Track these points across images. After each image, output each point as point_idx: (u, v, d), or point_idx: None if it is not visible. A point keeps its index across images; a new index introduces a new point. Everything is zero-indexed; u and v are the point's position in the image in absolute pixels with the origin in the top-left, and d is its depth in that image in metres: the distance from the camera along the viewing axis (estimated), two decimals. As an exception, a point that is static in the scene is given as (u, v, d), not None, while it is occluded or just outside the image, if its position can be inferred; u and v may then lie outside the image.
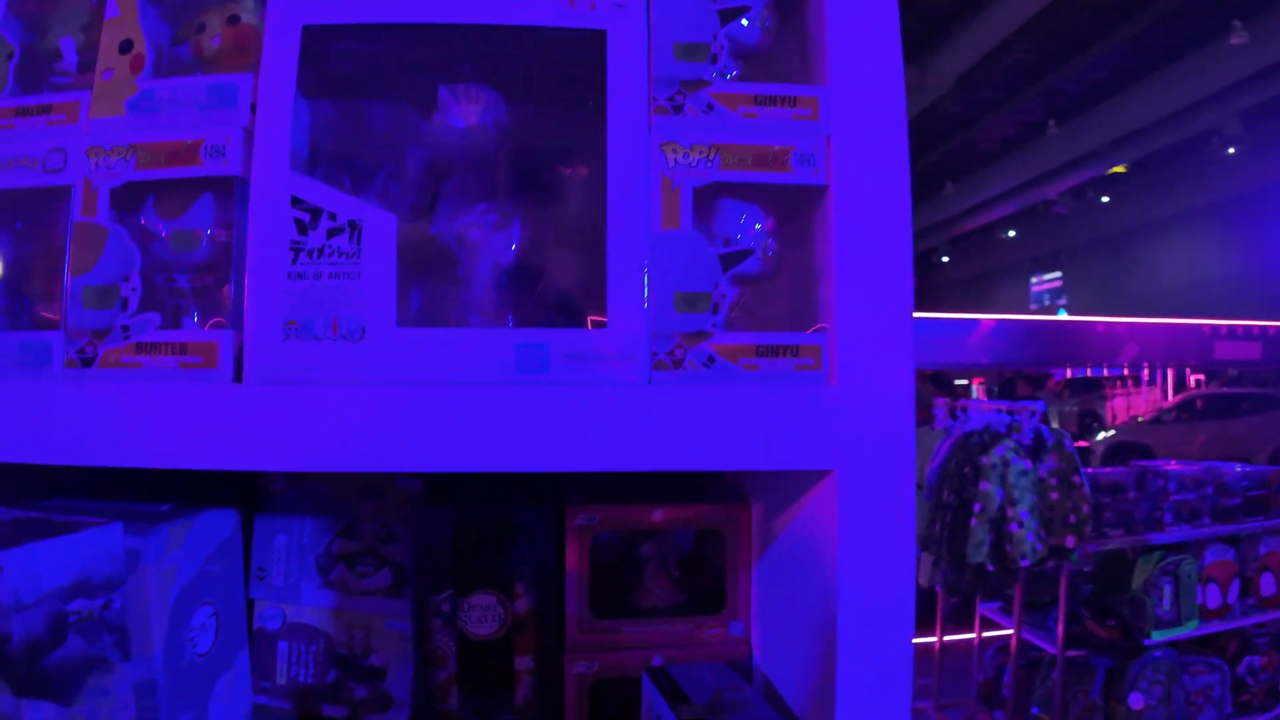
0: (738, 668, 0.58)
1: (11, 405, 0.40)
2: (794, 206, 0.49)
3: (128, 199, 0.44)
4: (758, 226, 0.48)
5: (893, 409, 0.44)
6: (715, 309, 0.43)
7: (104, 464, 0.40)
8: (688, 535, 0.69)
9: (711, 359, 0.43)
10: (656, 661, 0.58)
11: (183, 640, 0.58)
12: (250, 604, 0.69)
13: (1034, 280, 15.55)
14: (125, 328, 0.40)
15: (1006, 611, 2.76)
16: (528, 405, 0.39)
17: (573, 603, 0.60)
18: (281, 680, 0.70)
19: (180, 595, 0.58)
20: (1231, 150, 9.53)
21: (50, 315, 0.43)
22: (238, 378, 0.40)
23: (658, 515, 0.61)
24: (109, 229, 0.42)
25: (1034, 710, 2.60)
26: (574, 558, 0.60)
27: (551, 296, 0.48)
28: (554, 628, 0.63)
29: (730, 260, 0.46)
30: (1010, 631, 2.60)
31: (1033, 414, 2.36)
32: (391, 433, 0.39)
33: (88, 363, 0.41)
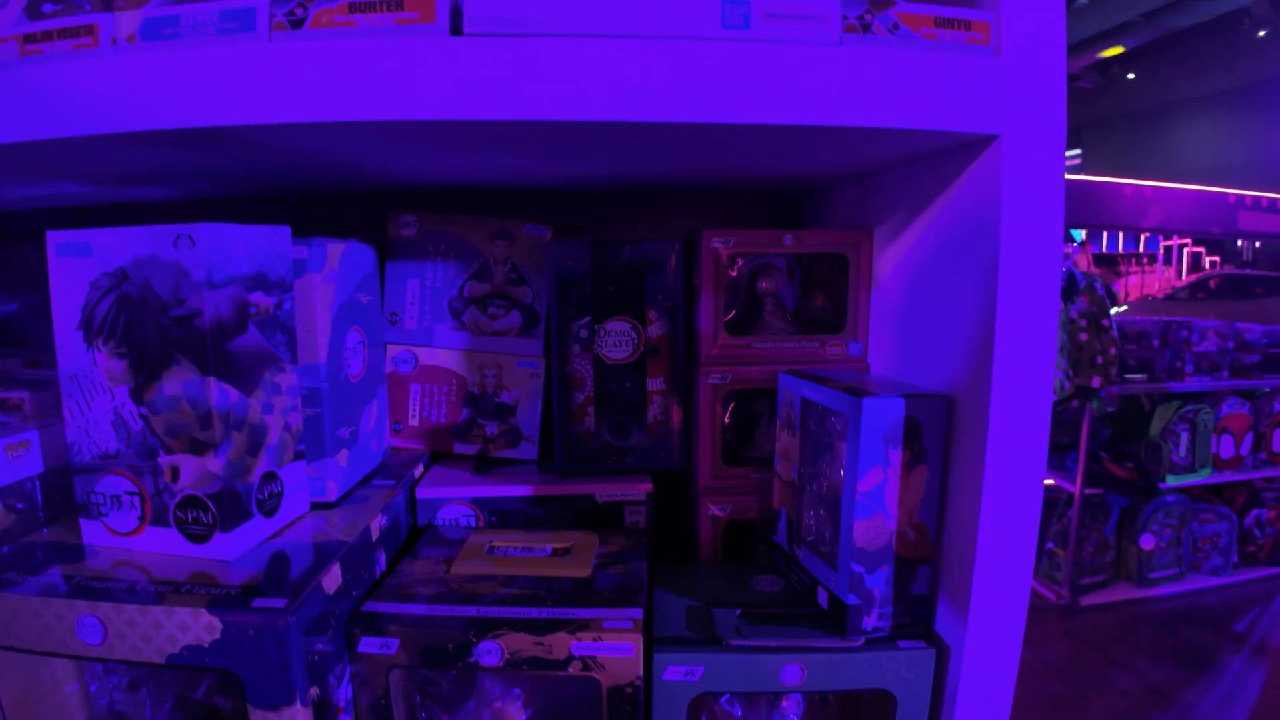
0: (860, 380, 0.62)
1: (218, 71, 0.42)
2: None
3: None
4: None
5: (1049, 83, 0.46)
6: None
7: (319, 119, 0.42)
8: (796, 281, 0.72)
9: (896, 25, 0.44)
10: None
11: (340, 358, 0.62)
12: (383, 349, 0.73)
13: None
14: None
15: (1028, 456, 2.84)
16: (732, 59, 0.42)
17: (706, 319, 0.64)
18: (414, 421, 0.74)
19: (338, 313, 0.62)
20: (1262, 33, 9.16)
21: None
22: (456, 30, 0.42)
23: (788, 240, 0.64)
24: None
25: (1049, 545, 2.73)
26: (708, 277, 0.63)
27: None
28: (683, 354, 0.67)
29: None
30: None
31: (1066, 256, 2.37)
32: (605, 84, 0.41)
33: (297, 24, 0.42)
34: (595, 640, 0.48)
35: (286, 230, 0.56)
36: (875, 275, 0.64)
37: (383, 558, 0.58)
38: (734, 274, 0.71)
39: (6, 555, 0.52)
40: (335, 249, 0.61)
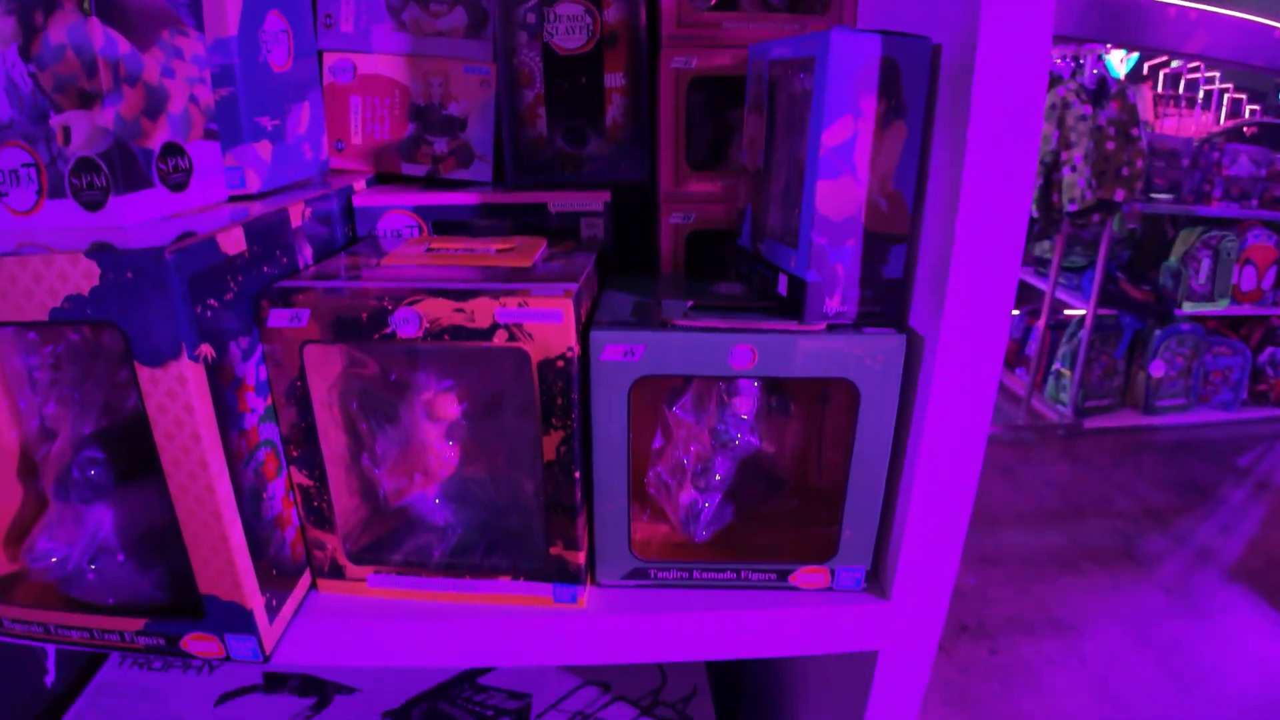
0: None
1: None
2: None
3: None
4: None
5: None
6: None
7: None
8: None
9: None
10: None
11: (256, 40, 0.55)
12: (320, 56, 0.65)
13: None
14: None
15: (1041, 274, 2.78)
16: None
17: (670, -7, 0.55)
18: (356, 139, 0.68)
19: (250, -9, 0.54)
20: None
21: None
22: None
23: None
24: None
25: (1056, 365, 2.71)
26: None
27: None
28: (646, 45, 0.59)
29: None
30: (1044, 290, 2.63)
31: (1099, 57, 2.20)
32: None
33: None
34: (520, 306, 0.43)
35: None
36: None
37: (307, 250, 0.53)
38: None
39: None
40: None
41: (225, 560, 0.44)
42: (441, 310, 0.43)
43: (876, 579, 0.54)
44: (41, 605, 0.49)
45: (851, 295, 0.47)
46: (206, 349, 0.41)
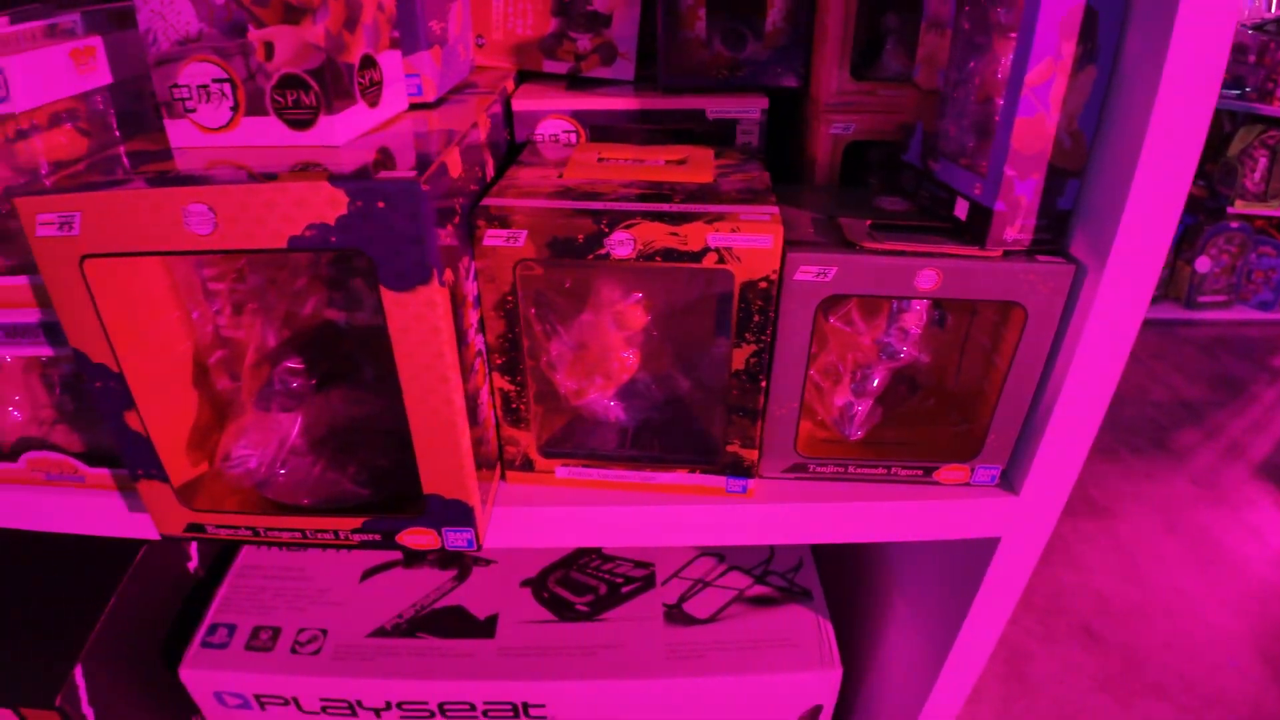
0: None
1: None
2: None
3: None
4: None
5: None
6: None
7: None
8: None
9: None
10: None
11: (427, -62, 0.55)
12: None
13: None
14: None
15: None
16: None
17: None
18: (497, 34, 0.67)
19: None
20: None
21: None
22: None
23: None
24: None
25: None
26: None
27: None
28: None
29: None
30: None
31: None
32: None
33: None
34: (733, 232, 0.45)
35: None
36: None
37: (490, 162, 0.55)
38: None
39: (86, 168, 0.47)
40: None
41: (454, 463, 0.48)
42: (657, 234, 0.46)
43: (1007, 476, 0.58)
44: (241, 509, 0.53)
45: (1029, 224, 0.48)
46: (449, 274, 0.43)
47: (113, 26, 0.60)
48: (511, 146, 0.62)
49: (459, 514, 0.50)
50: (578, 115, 0.61)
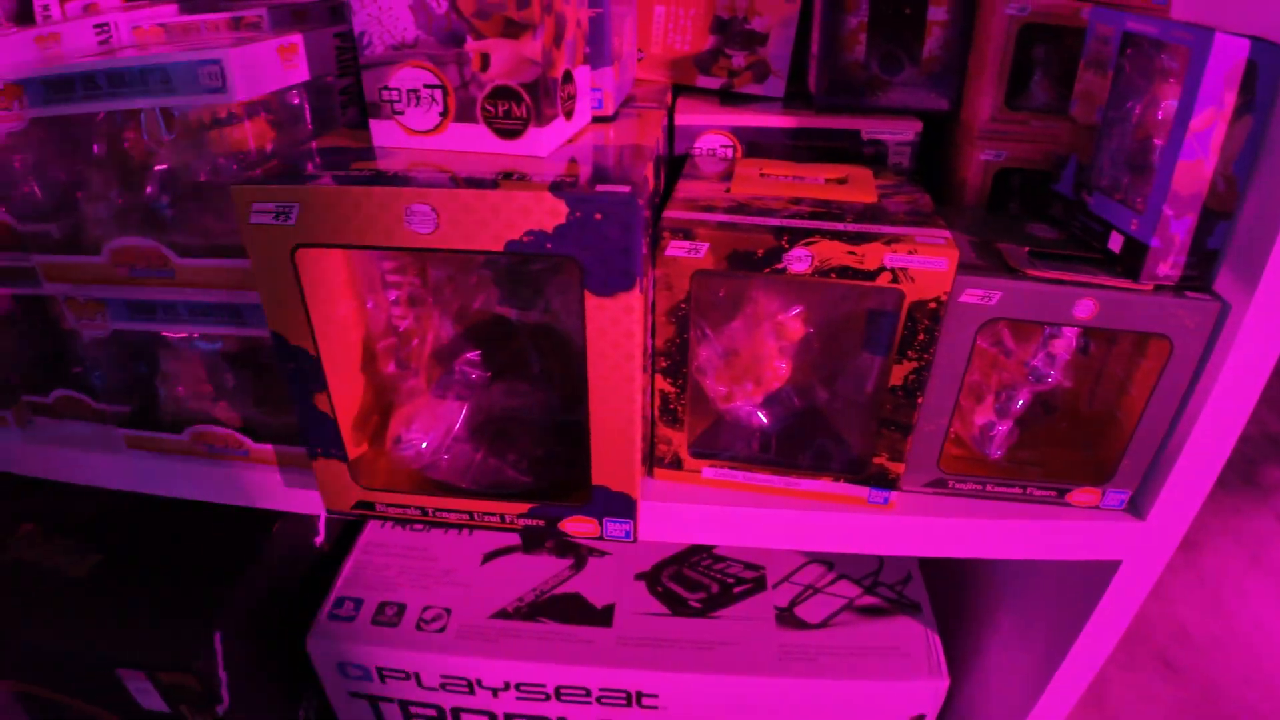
0: None
1: None
2: None
3: None
4: None
5: None
6: None
7: None
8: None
9: None
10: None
11: (610, -40, 0.57)
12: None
13: None
14: None
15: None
16: None
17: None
18: (656, 49, 0.70)
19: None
20: None
21: None
22: None
23: None
24: None
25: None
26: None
27: None
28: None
29: None
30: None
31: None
32: None
33: None
34: (910, 254, 0.47)
35: None
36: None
37: (660, 173, 0.58)
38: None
39: (282, 164, 0.50)
40: None
41: (626, 457, 0.51)
42: (834, 251, 0.48)
43: (1135, 501, 0.59)
44: (409, 489, 0.56)
45: (1180, 261, 0.50)
46: (646, 281, 0.47)
47: (296, 23, 0.65)
48: (671, 159, 0.64)
49: (622, 506, 0.53)
50: (736, 131, 0.64)
